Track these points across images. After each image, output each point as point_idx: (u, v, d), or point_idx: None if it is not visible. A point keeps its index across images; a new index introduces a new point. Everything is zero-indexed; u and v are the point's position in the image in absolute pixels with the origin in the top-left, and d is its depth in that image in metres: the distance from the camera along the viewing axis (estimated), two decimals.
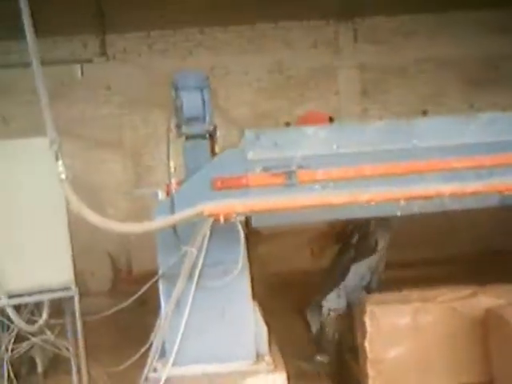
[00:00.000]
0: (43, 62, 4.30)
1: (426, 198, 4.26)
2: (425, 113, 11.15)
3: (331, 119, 5.80)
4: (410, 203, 4.28)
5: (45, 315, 5.60)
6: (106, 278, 10.65)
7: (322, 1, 10.13)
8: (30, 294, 5.48)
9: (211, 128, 4.69)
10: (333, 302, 5.97)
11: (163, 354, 4.59)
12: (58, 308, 5.92)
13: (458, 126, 4.54)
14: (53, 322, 5.81)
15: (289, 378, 4.61)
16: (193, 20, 10.57)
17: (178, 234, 4.47)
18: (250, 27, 11.24)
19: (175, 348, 4.50)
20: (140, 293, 4.78)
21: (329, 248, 6.50)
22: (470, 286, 5.48)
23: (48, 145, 4.22)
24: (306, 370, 5.85)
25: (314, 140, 4.46)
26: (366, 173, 4.38)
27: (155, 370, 4.55)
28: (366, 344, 5.34)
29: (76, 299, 5.55)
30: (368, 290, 6.20)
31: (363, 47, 11.49)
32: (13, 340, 5.85)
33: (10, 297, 5.37)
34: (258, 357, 4.66)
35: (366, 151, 4.44)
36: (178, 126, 4.81)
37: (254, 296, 4.80)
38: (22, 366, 6.42)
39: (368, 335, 5.33)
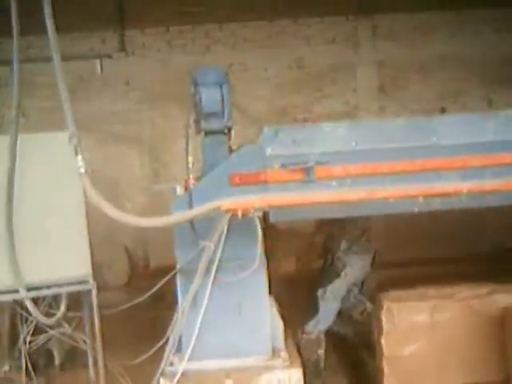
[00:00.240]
0: (63, 58, 4.33)
1: (444, 195, 4.25)
2: (443, 110, 11.11)
3: None
4: (428, 200, 4.27)
5: (62, 308, 5.63)
6: (123, 273, 10.68)
7: None
8: (48, 287, 5.51)
9: (230, 124, 4.71)
10: (310, 328, 5.90)
11: (180, 348, 4.63)
12: (76, 301, 5.95)
13: (477, 123, 4.53)
14: (70, 314, 5.84)
15: (305, 375, 4.63)
16: (212, 16, 10.57)
17: (195, 229, 4.50)
18: (269, 23, 11.21)
19: (192, 343, 4.53)
20: (157, 287, 4.81)
21: (315, 260, 6.45)
22: (487, 284, 5.47)
23: (67, 139, 4.25)
24: None
25: (332, 137, 4.47)
26: (384, 170, 4.38)
27: (172, 364, 4.59)
28: (382, 341, 5.35)
29: (94, 292, 5.57)
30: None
31: (382, 44, 11.43)
32: (31, 332, 5.91)
33: (29, 289, 5.40)
34: (274, 352, 4.69)
35: (384, 148, 4.43)
36: (197, 122, 4.84)
37: (271, 292, 4.81)
38: (40, 358, 6.47)
39: (384, 332, 5.33)
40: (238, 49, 11.21)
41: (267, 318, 4.67)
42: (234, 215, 4.15)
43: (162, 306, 6.01)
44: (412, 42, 11.42)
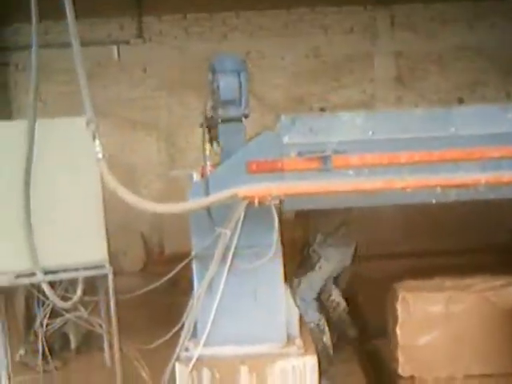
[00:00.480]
0: (81, 43, 4.32)
1: (462, 186, 4.23)
2: (461, 101, 11.06)
3: None
4: (446, 191, 4.26)
5: (79, 292, 5.67)
6: (139, 259, 10.74)
7: None
8: (64, 271, 5.56)
9: (247, 111, 4.71)
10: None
11: (195, 334, 4.65)
12: (92, 285, 6.00)
13: (495, 114, 4.49)
14: (86, 299, 5.88)
15: (319, 362, 4.64)
16: (229, 4, 10.56)
17: (211, 216, 4.51)
18: (287, 12, 11.18)
19: (207, 328, 4.55)
20: (174, 272, 4.83)
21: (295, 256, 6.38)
22: (503, 276, 5.47)
23: (85, 124, 4.26)
24: None
25: (349, 126, 4.45)
26: (402, 160, 4.37)
27: (187, 350, 4.61)
28: (397, 330, 5.37)
29: (110, 277, 5.60)
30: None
31: (400, 34, 11.37)
32: (47, 316, 5.96)
33: (46, 273, 5.44)
34: (289, 339, 4.69)
35: (401, 138, 4.42)
36: (214, 109, 4.83)
37: (286, 279, 4.82)
38: (56, 342, 6.55)
39: (399, 321, 5.35)
40: (255, 37, 11.20)
41: (282, 305, 4.68)
42: (251, 203, 4.15)
43: (177, 291, 6.04)
44: (430, 32, 11.36)
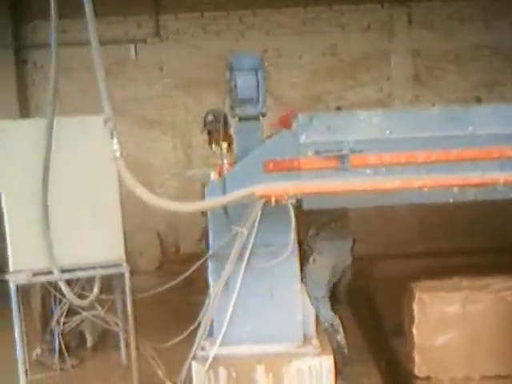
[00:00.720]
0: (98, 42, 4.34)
1: (480, 185, 4.20)
2: (478, 100, 10.99)
3: None
4: (463, 190, 4.23)
5: (96, 290, 5.70)
6: (155, 258, 10.75)
7: None
8: (82, 269, 5.57)
9: (264, 110, 4.70)
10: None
11: (211, 332, 4.65)
12: (108, 284, 6.02)
13: None
14: (103, 297, 5.91)
15: (336, 362, 4.63)
16: (246, 1, 10.56)
17: (228, 215, 4.50)
18: (304, 10, 11.14)
19: (223, 327, 4.55)
20: (189, 272, 4.83)
21: None
22: None
23: (103, 122, 4.27)
24: None
25: (366, 125, 4.43)
26: (419, 159, 4.34)
27: (203, 349, 4.61)
28: (414, 330, 5.35)
29: (127, 276, 5.62)
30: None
31: (417, 32, 11.30)
32: (64, 314, 5.99)
33: (63, 271, 5.46)
34: (305, 339, 4.68)
35: (419, 137, 4.39)
36: (232, 108, 4.83)
37: (302, 278, 4.81)
38: (72, 340, 6.57)
39: (416, 321, 5.33)
40: (272, 35, 11.16)
41: (299, 304, 4.67)
42: (268, 202, 4.14)
43: (193, 290, 6.05)
44: (447, 30, 11.28)
